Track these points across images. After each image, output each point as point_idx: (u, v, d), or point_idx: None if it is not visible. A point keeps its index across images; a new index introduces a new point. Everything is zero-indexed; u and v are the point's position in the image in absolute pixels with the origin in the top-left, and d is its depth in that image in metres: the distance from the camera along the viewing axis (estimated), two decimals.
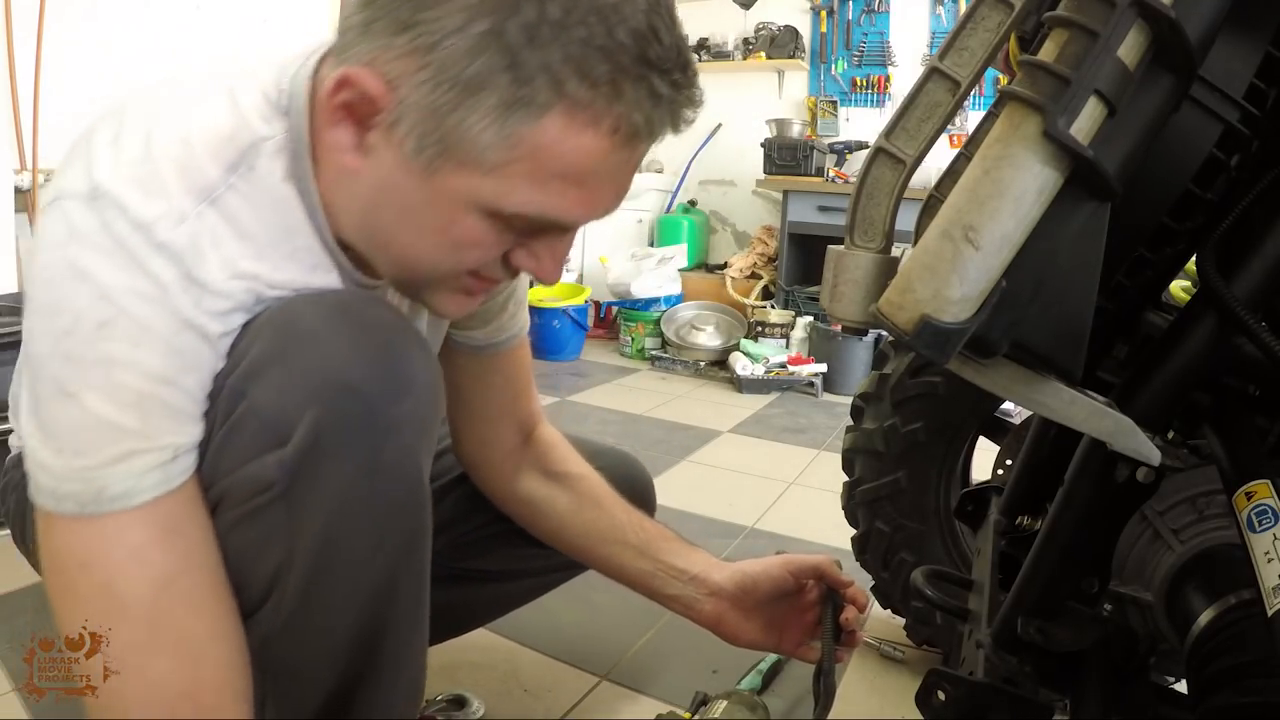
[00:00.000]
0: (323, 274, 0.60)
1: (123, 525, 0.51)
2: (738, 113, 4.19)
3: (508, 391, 0.90)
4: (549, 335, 3.50)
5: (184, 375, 0.52)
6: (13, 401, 0.72)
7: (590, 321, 3.83)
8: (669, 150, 4.30)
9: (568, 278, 3.99)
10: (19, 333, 0.76)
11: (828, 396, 3.13)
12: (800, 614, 0.94)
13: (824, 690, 0.85)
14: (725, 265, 4.02)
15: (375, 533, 0.55)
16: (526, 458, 0.92)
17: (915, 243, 0.45)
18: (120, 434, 0.50)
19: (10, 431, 0.74)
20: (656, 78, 0.49)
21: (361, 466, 0.52)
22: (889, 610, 1.29)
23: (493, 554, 0.99)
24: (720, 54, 4.25)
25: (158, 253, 0.50)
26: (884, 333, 0.48)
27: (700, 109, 0.55)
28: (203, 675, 0.52)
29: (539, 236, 0.56)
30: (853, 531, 1.28)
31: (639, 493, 1.02)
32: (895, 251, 0.50)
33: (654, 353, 3.59)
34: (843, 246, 0.51)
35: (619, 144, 0.50)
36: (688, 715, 1.01)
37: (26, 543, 0.75)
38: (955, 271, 0.42)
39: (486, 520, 0.95)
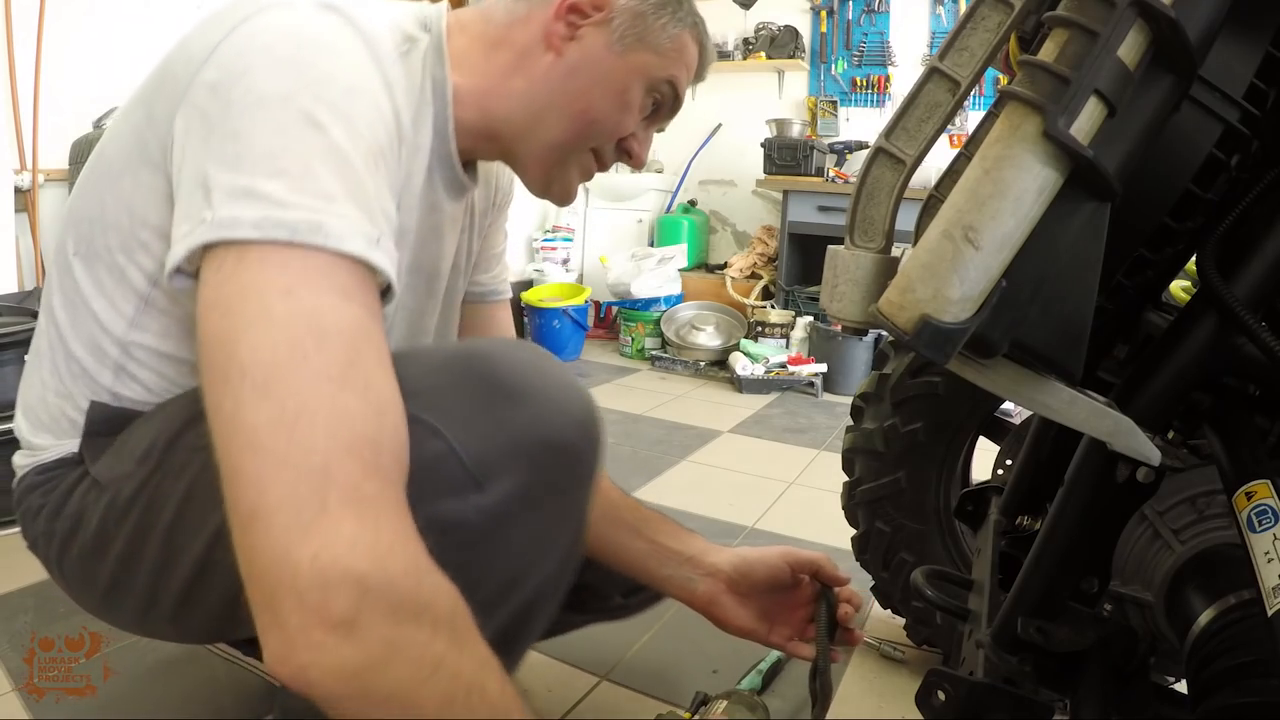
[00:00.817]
0: (423, 158, 0.72)
1: (333, 265, 0.51)
2: (738, 113, 4.19)
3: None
4: (549, 335, 3.50)
5: (389, 172, 0.58)
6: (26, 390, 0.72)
7: (590, 321, 3.83)
8: (669, 150, 4.30)
9: (568, 278, 3.99)
10: (19, 333, 0.76)
11: (828, 396, 3.13)
12: (793, 609, 0.94)
13: (820, 689, 0.85)
14: (725, 265, 4.02)
15: (554, 568, 0.59)
16: None
17: (915, 243, 0.45)
18: (354, 178, 0.53)
19: (9, 431, 0.73)
20: (709, 40, 0.81)
21: (559, 519, 0.57)
22: (889, 610, 1.29)
23: None
24: (720, 54, 4.24)
25: (385, 64, 0.60)
26: (884, 333, 0.48)
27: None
28: (384, 430, 0.49)
29: (649, 122, 0.80)
30: (853, 531, 1.28)
31: None
32: (895, 251, 0.50)
33: (654, 353, 3.59)
34: (843, 246, 0.51)
35: (696, 69, 0.80)
36: (688, 715, 1.01)
37: (63, 571, 0.73)
38: (955, 271, 0.42)
39: None
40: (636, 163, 0.80)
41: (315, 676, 0.44)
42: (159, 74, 0.61)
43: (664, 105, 0.79)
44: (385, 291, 0.56)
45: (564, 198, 0.81)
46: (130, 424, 0.68)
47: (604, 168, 0.81)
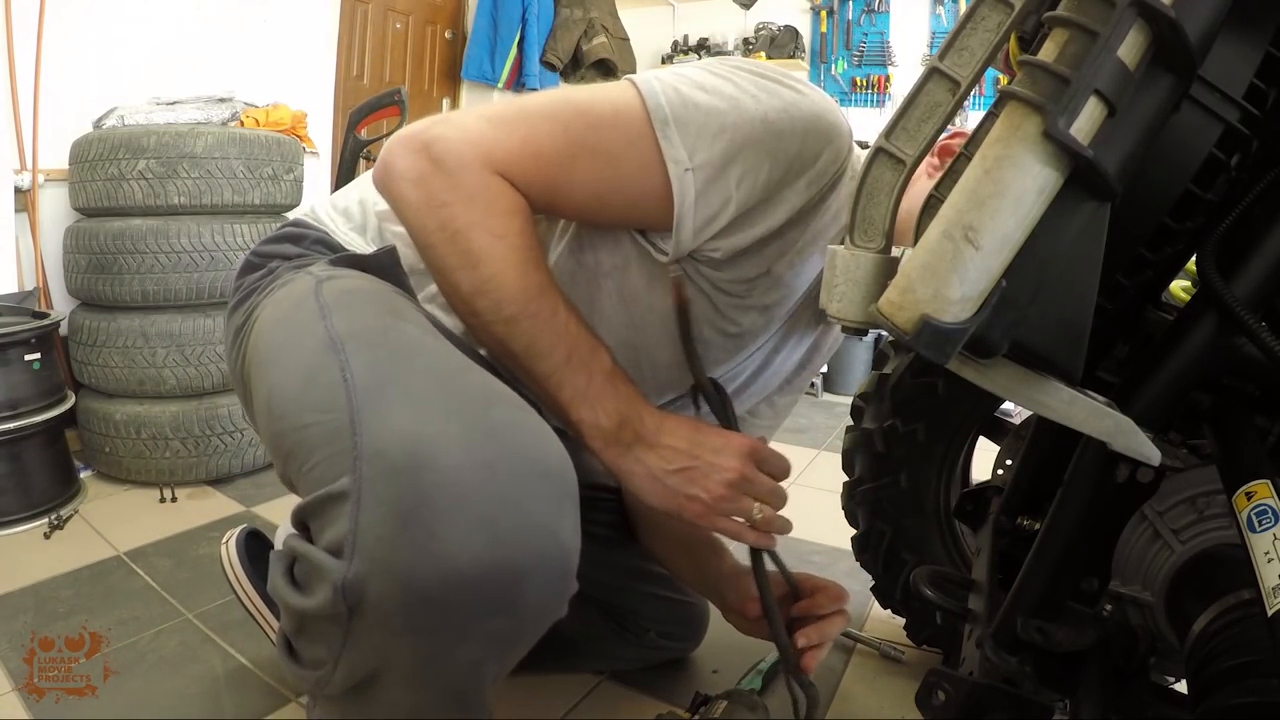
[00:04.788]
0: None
1: (635, 123, 0.72)
2: None
3: None
4: None
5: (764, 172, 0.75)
6: None
7: None
8: None
9: None
10: (19, 333, 0.76)
11: (828, 396, 3.13)
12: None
13: (800, 690, 0.85)
14: None
15: (533, 636, 0.58)
16: None
17: (915, 243, 0.45)
18: (728, 138, 0.71)
19: (8, 431, 0.73)
20: None
21: (555, 596, 0.56)
22: (889, 610, 1.29)
23: None
24: (720, 54, 4.24)
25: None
26: (884, 333, 0.48)
27: None
28: (578, 157, 0.72)
29: None
30: (853, 531, 1.28)
31: (704, 626, 1.22)
32: (895, 251, 0.50)
33: None
34: (843, 246, 0.51)
35: None
36: (687, 715, 1.01)
37: (231, 342, 0.82)
38: (955, 271, 0.42)
39: None
40: None
41: (388, 166, 0.71)
42: None
43: None
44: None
45: None
46: (352, 269, 0.78)
47: None
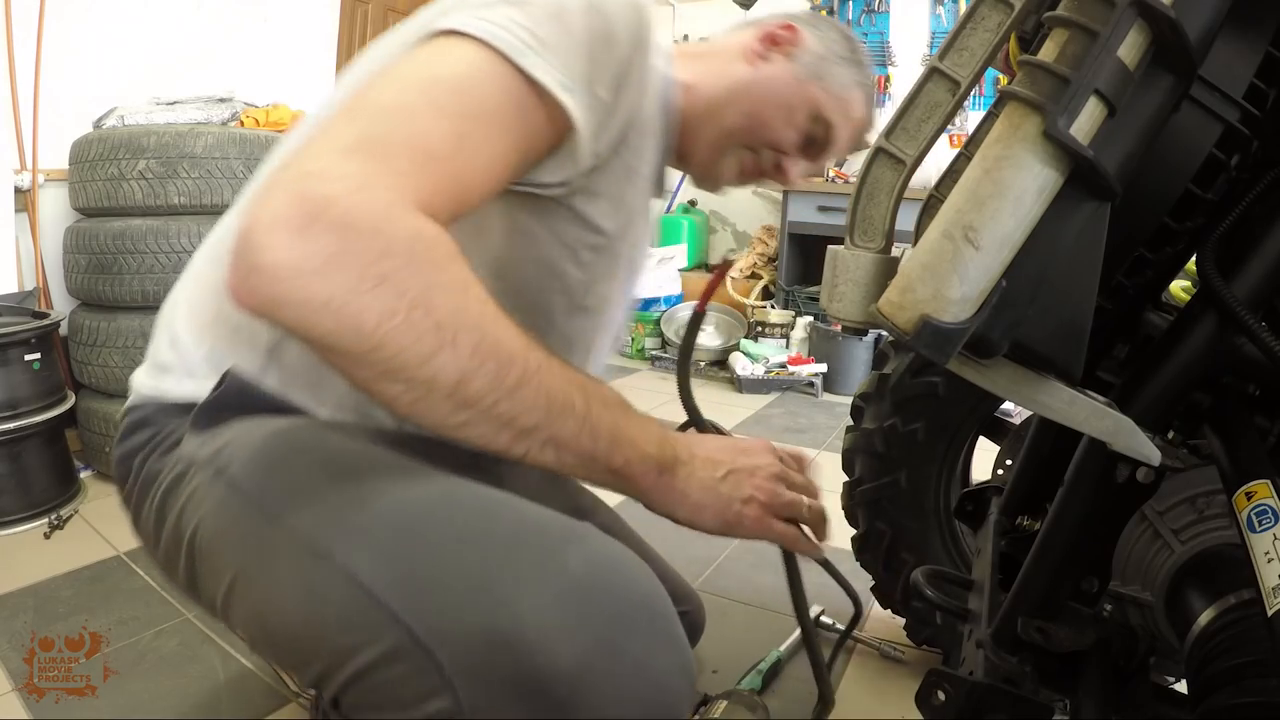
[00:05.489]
0: (651, 139, 0.78)
1: (514, 75, 0.59)
2: None
3: None
4: None
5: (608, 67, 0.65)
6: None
7: None
8: None
9: None
10: (19, 333, 0.76)
11: (828, 396, 3.13)
12: None
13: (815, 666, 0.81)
14: None
15: None
16: None
17: (915, 243, 0.45)
18: (572, 45, 0.61)
19: (8, 431, 0.73)
20: (874, 108, 0.94)
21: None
22: (889, 610, 1.29)
23: None
24: None
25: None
26: (884, 333, 0.48)
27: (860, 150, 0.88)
28: (457, 161, 0.57)
29: (803, 153, 0.90)
30: (853, 531, 1.28)
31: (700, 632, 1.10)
32: (895, 251, 0.50)
33: (654, 353, 3.58)
34: (843, 246, 0.51)
35: (859, 132, 0.92)
36: (688, 715, 1.01)
37: (133, 515, 0.72)
38: (955, 271, 0.42)
39: None
40: (785, 180, 0.91)
41: (265, 268, 0.47)
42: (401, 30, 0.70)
43: (817, 143, 0.90)
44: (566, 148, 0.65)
45: (717, 184, 0.92)
46: (254, 409, 0.68)
47: (758, 173, 0.91)
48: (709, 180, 0.93)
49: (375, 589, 0.52)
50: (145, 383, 0.74)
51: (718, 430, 0.80)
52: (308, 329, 0.48)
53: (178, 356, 0.72)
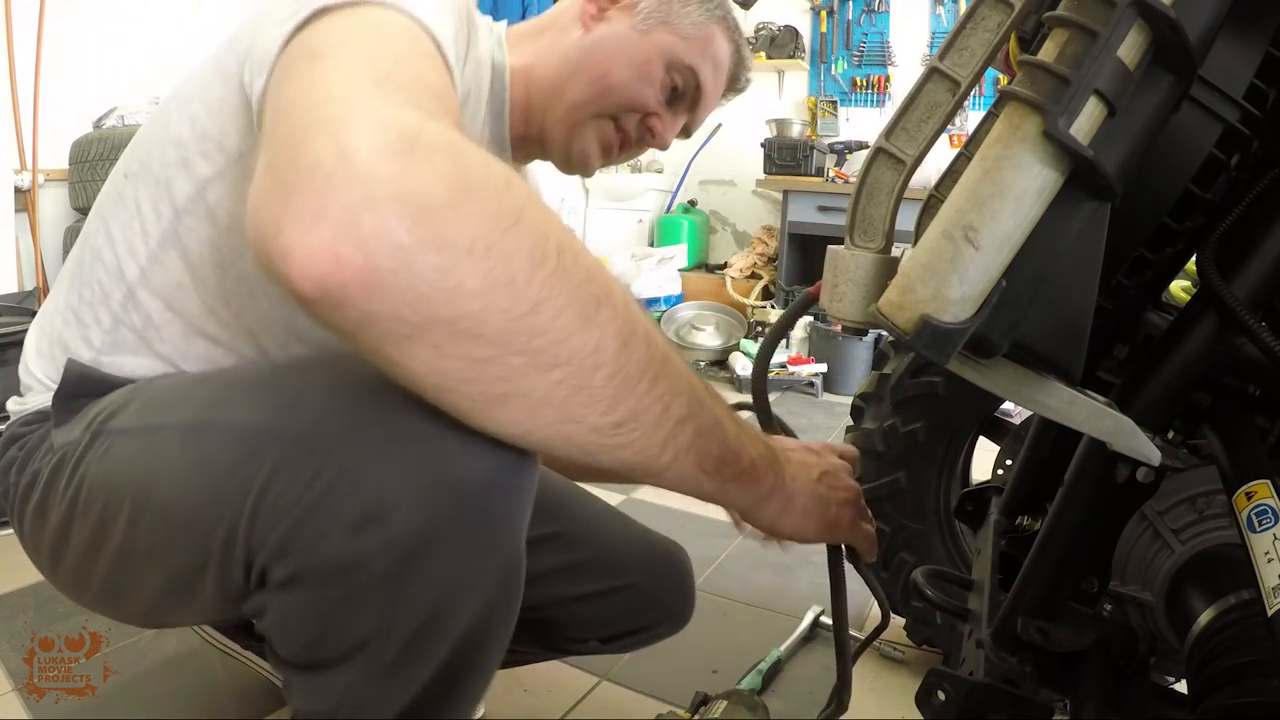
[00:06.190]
0: (477, 126, 0.75)
1: (408, 23, 0.52)
2: (738, 113, 4.17)
3: None
4: None
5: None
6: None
7: None
8: (669, 150, 4.29)
9: None
10: (19, 333, 0.76)
11: (828, 396, 3.13)
12: None
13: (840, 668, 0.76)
14: (725, 265, 4.02)
15: (480, 607, 0.54)
16: None
17: (915, 243, 0.45)
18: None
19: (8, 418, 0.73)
20: (746, 46, 0.87)
21: (476, 556, 0.52)
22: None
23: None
24: None
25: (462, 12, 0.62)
26: (884, 333, 0.48)
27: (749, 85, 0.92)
28: (444, 89, 0.51)
29: (669, 107, 0.84)
30: None
31: (668, 602, 0.97)
32: (895, 251, 0.50)
33: None
34: (843, 246, 0.51)
35: (730, 69, 0.87)
36: (688, 715, 1.01)
37: (20, 528, 0.72)
38: (955, 271, 0.42)
39: None
40: (659, 142, 0.85)
41: (374, 202, 0.35)
42: (243, 23, 0.65)
43: (685, 93, 0.83)
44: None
45: (584, 164, 0.86)
46: (102, 393, 0.67)
47: (627, 141, 0.85)
48: (575, 163, 0.85)
49: (258, 425, 0.51)
50: (12, 408, 0.74)
51: (787, 431, 0.74)
52: (449, 291, 0.35)
53: (31, 377, 0.72)
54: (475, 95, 0.73)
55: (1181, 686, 0.73)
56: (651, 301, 3.73)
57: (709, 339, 3.57)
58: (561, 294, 0.38)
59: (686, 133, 0.94)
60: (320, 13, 0.51)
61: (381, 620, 0.52)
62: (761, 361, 0.71)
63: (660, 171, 4.36)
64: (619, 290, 0.43)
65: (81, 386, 0.68)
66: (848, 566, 0.73)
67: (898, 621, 1.28)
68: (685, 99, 0.85)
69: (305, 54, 0.48)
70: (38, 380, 0.72)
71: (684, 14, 0.81)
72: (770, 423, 0.71)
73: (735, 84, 0.88)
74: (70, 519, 0.64)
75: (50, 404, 0.69)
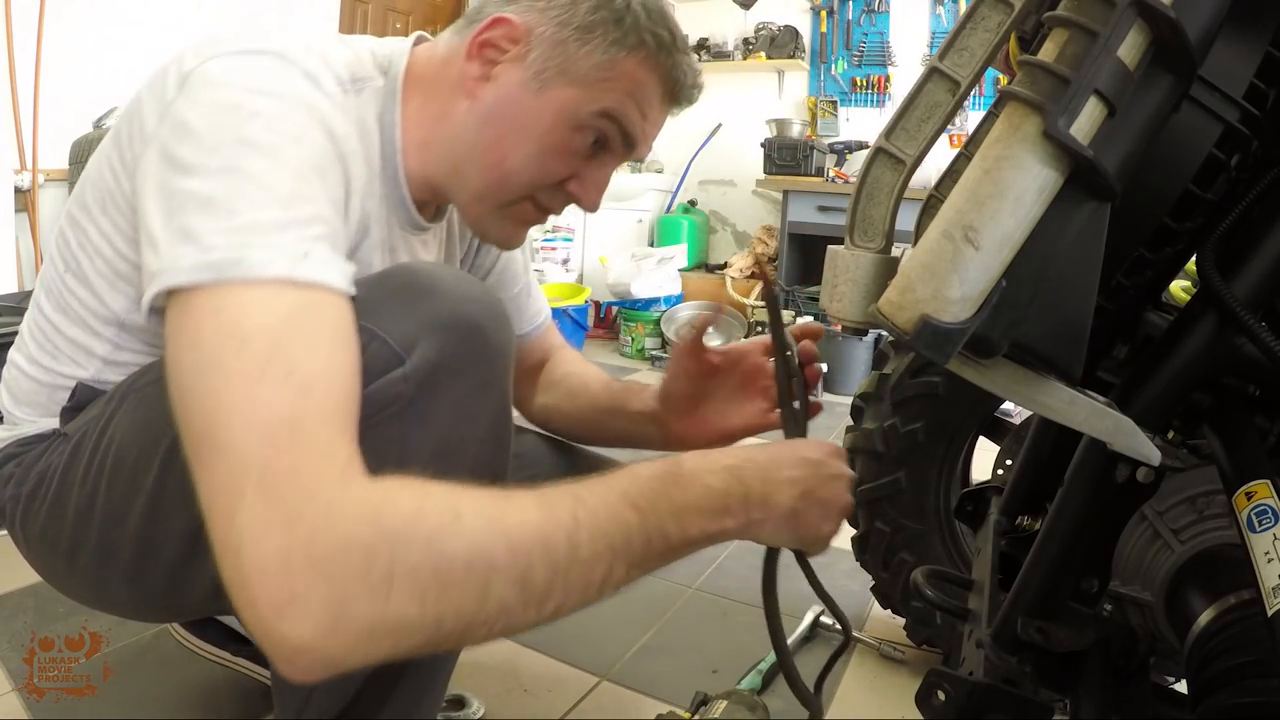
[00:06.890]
0: (374, 201, 0.71)
1: (259, 288, 0.52)
2: (738, 113, 4.19)
3: (540, 360, 1.03)
4: None
5: (327, 187, 0.58)
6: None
7: (590, 321, 3.83)
8: (669, 150, 4.30)
9: (568, 278, 3.99)
10: (17, 333, 0.76)
11: (828, 396, 3.13)
12: (749, 383, 0.88)
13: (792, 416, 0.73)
14: (725, 265, 4.02)
15: (486, 436, 0.64)
16: (540, 379, 1.01)
17: (915, 243, 0.45)
18: (278, 199, 0.54)
19: None
20: (684, 60, 0.72)
21: (480, 386, 0.62)
22: (889, 610, 1.29)
23: None
24: (720, 54, 4.25)
25: (322, 97, 0.61)
26: (884, 333, 0.48)
27: (701, 92, 0.76)
28: (310, 401, 0.49)
29: (592, 162, 0.73)
30: (853, 531, 1.28)
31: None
32: (895, 251, 0.50)
33: (654, 353, 3.58)
34: (843, 246, 0.51)
35: (663, 95, 0.72)
36: (688, 715, 1.01)
37: (26, 535, 0.75)
38: (955, 271, 0.42)
39: None
40: (586, 206, 0.74)
41: (302, 644, 0.44)
42: (127, 119, 0.65)
43: (610, 141, 0.71)
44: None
45: (506, 244, 0.79)
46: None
47: (550, 213, 0.76)
48: (492, 243, 0.80)
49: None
50: (3, 435, 0.76)
51: (801, 423, 0.72)
52: (372, 658, 0.46)
53: (21, 412, 0.75)
54: (368, 171, 0.68)
55: (1181, 686, 0.73)
56: (651, 302, 3.73)
57: (709, 339, 3.56)
58: (444, 607, 0.47)
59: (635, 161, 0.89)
60: (173, 292, 0.52)
61: (405, 450, 0.58)
62: (780, 350, 0.72)
63: (660, 171, 4.37)
64: (508, 541, 0.48)
65: (93, 399, 0.71)
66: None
67: (898, 621, 1.28)
68: (611, 147, 0.72)
69: (175, 384, 0.51)
70: (26, 414, 0.75)
71: (584, 56, 0.67)
72: (795, 426, 0.72)
73: (679, 102, 0.74)
74: (97, 485, 0.67)
75: (53, 429, 0.73)
